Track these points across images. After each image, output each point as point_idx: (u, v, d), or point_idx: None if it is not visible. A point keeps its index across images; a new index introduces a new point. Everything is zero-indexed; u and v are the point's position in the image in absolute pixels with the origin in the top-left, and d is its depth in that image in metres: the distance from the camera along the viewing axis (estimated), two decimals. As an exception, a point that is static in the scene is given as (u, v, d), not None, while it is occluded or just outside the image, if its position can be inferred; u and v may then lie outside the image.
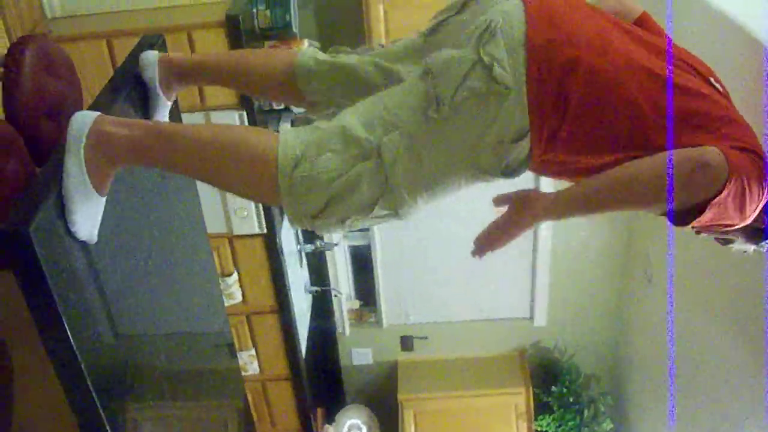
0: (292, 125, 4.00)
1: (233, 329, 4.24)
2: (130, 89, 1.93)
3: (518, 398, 5.04)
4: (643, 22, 1.93)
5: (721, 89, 1.77)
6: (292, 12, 3.65)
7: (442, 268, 4.98)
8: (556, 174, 1.81)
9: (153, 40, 2.09)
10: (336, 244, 4.79)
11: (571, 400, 5.00)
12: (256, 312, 4.38)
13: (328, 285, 5.04)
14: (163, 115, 2.08)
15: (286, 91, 2.04)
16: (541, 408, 5.12)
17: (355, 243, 5.01)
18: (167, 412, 2.13)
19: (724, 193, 1.51)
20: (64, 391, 1.54)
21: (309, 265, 4.95)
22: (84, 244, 1.58)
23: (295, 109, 3.98)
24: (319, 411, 5.11)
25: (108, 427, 1.60)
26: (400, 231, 4.78)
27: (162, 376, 2.07)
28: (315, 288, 4.99)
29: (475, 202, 2.75)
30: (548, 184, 4.06)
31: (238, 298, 4.28)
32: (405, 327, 5.32)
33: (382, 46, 2.00)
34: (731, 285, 3.33)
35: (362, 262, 5.09)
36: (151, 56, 1.99)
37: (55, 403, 1.59)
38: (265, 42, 3.68)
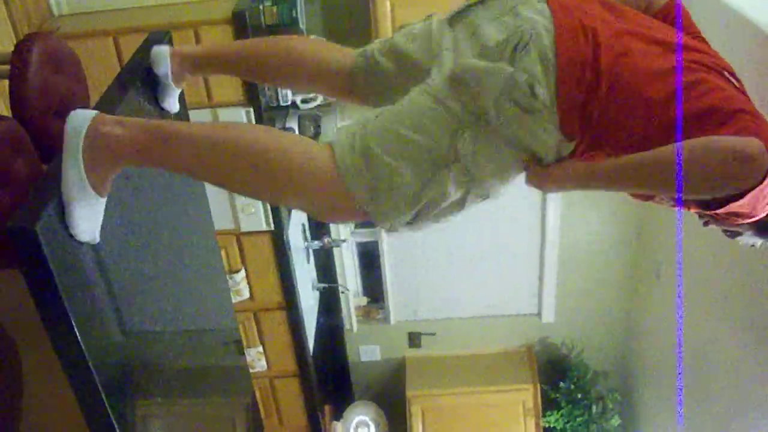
0: (299, 122, 4.00)
1: (241, 326, 4.24)
2: (137, 86, 1.92)
3: (526, 395, 5.03)
4: (670, 9, 1.89)
5: (737, 85, 1.75)
6: (298, 8, 3.64)
7: (449, 264, 4.97)
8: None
9: (159, 37, 2.08)
10: (344, 241, 4.79)
11: (579, 396, 4.99)
12: (264, 309, 4.39)
13: (336, 282, 5.04)
14: (172, 102, 2.08)
15: (327, 89, 2.05)
16: (548, 404, 5.11)
17: (362, 239, 5.00)
18: (175, 410, 2.13)
19: (766, 182, 1.45)
20: (73, 388, 1.54)
21: (316, 261, 4.95)
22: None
23: (302, 106, 3.98)
24: (327, 408, 5.12)
25: (116, 425, 1.60)
26: (407, 227, 4.77)
27: (170, 374, 2.07)
28: (322, 285, 4.99)
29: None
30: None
31: (246, 295, 4.29)
32: (413, 323, 5.32)
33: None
34: (740, 282, 3.32)
35: (369, 259, 5.08)
36: (163, 50, 1.97)
37: (64, 400, 1.59)
38: (272, 38, 3.67)
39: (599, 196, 4.57)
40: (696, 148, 1.47)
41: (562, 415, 5.04)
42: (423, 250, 4.93)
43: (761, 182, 1.45)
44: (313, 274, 4.93)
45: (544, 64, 1.58)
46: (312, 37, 3.77)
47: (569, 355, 5.24)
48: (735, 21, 3.00)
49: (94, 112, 1.59)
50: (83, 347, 1.48)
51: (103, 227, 1.60)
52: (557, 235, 4.80)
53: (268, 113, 3.83)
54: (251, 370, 4.24)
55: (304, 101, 3.97)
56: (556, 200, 4.60)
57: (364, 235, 4.96)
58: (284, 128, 3.94)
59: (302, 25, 3.70)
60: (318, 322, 4.88)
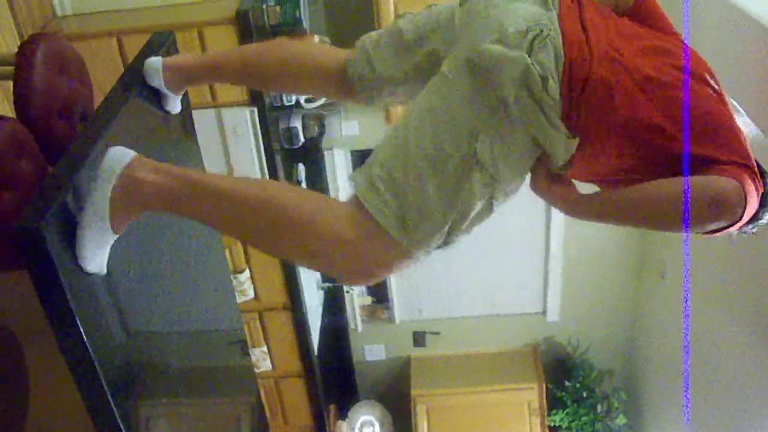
0: (303, 121, 3.99)
1: (246, 326, 4.24)
2: (140, 86, 1.93)
3: (531, 394, 5.03)
4: (640, 8, 1.88)
5: (716, 87, 1.76)
6: (301, 8, 3.64)
7: (454, 263, 4.97)
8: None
9: (163, 38, 2.08)
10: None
11: (584, 395, 4.99)
12: (269, 309, 4.38)
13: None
14: (174, 106, 2.08)
15: (328, 92, 2.04)
16: (554, 403, 5.10)
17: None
18: (180, 409, 2.13)
19: (740, 223, 1.55)
20: (78, 388, 1.54)
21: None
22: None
23: (306, 105, 3.98)
24: (332, 407, 5.11)
25: (122, 425, 1.61)
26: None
27: (175, 374, 2.07)
28: (327, 284, 4.98)
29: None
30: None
31: (251, 294, 4.29)
32: (417, 323, 5.31)
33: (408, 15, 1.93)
34: (746, 281, 3.31)
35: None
36: (154, 64, 1.96)
37: (70, 400, 1.59)
38: (276, 38, 3.67)
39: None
40: (670, 196, 1.52)
41: (567, 414, 5.03)
42: (427, 249, 4.92)
43: (736, 222, 1.54)
44: (318, 273, 4.93)
45: (555, 61, 1.58)
46: (316, 37, 3.77)
47: (574, 354, 5.24)
48: (737, 17, 2.99)
49: (134, 153, 1.60)
50: (89, 347, 1.48)
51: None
52: (562, 234, 4.80)
53: (271, 113, 3.83)
54: (256, 370, 4.24)
55: (308, 101, 3.97)
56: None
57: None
58: (288, 128, 3.93)
59: (306, 25, 3.70)
60: (322, 322, 4.87)
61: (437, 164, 1.61)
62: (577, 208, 1.68)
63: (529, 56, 1.57)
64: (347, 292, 5.06)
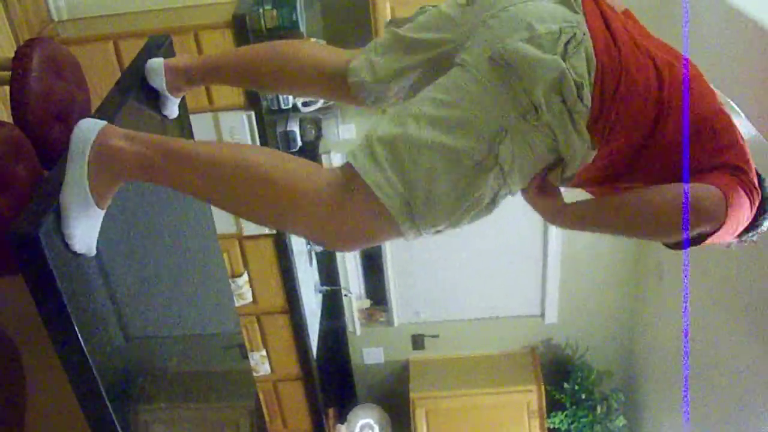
0: (300, 125, 3.99)
1: (244, 330, 4.24)
2: (137, 91, 1.92)
3: (530, 396, 5.03)
4: (627, 13, 1.88)
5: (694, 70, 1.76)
6: (298, 11, 3.64)
7: (452, 266, 4.97)
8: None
9: (160, 42, 2.08)
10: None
11: (583, 396, 4.99)
12: (267, 312, 4.38)
13: (339, 284, 5.04)
14: (171, 109, 2.07)
15: (328, 92, 2.00)
16: (553, 405, 5.10)
17: (365, 242, 4.99)
18: (179, 414, 2.13)
19: (721, 231, 1.57)
20: (76, 394, 1.53)
21: (319, 264, 4.94)
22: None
23: (303, 109, 3.98)
24: (331, 411, 5.11)
25: (120, 430, 1.60)
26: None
27: (173, 378, 2.07)
28: (325, 287, 4.98)
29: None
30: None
31: (249, 298, 4.28)
32: (416, 326, 5.31)
33: (409, 20, 1.88)
34: (743, 281, 3.31)
35: (372, 261, 5.08)
36: (156, 64, 1.95)
37: (67, 406, 1.59)
38: (272, 42, 3.67)
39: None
40: (661, 201, 1.56)
41: (566, 416, 5.03)
42: (426, 252, 4.93)
43: (723, 223, 1.55)
44: (316, 277, 4.93)
45: (588, 66, 1.55)
46: (313, 40, 3.77)
47: (573, 356, 5.24)
48: (735, 18, 3.00)
49: (103, 122, 1.57)
50: (86, 352, 1.47)
51: (105, 232, 1.60)
52: (560, 236, 4.80)
53: (269, 117, 3.83)
54: (255, 374, 4.23)
55: (305, 104, 3.97)
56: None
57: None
58: (285, 132, 3.94)
59: (302, 28, 3.70)
60: (321, 325, 4.87)
61: (453, 158, 1.55)
62: (561, 216, 1.69)
63: (564, 61, 1.53)
64: (345, 295, 5.06)
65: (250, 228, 4.02)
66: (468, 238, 4.75)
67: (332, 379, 5.28)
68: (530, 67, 1.53)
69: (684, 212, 1.53)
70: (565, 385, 5.05)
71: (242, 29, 3.51)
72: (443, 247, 4.85)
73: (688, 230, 1.55)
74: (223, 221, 3.82)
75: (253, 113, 3.71)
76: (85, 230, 1.51)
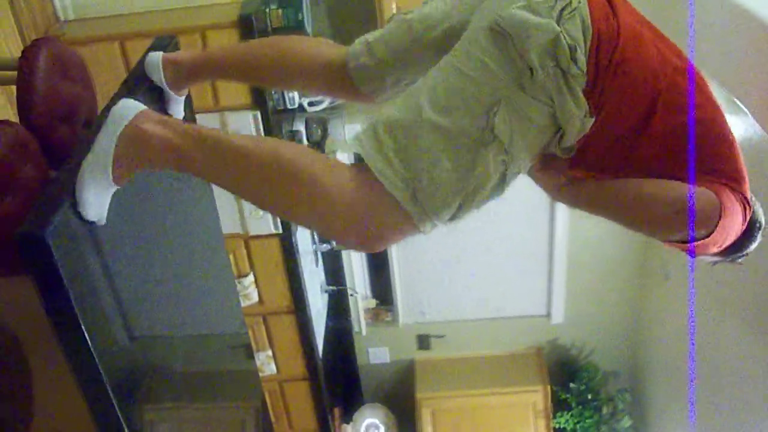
0: (306, 124, 4.00)
1: (250, 330, 4.24)
2: (144, 92, 1.92)
3: (536, 396, 5.02)
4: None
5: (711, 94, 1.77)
6: (304, 11, 3.64)
7: (458, 266, 4.96)
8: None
9: (165, 42, 2.08)
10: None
11: (589, 397, 4.98)
12: (273, 312, 4.38)
13: (344, 284, 5.04)
14: (177, 110, 2.07)
15: (328, 86, 1.99)
16: (559, 405, 5.09)
17: (371, 242, 4.98)
18: (185, 414, 2.13)
19: (711, 236, 1.59)
20: (82, 393, 1.53)
21: (325, 264, 4.94)
22: (98, 243, 1.58)
23: (309, 109, 3.98)
24: (337, 411, 5.11)
25: (126, 429, 1.60)
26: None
27: (179, 378, 2.07)
28: (331, 287, 4.98)
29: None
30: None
31: (255, 298, 4.29)
32: (422, 326, 5.31)
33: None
34: (749, 282, 3.30)
35: (378, 261, 5.08)
36: (155, 59, 1.95)
37: (74, 405, 1.59)
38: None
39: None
40: (659, 195, 1.60)
41: (572, 416, 5.03)
42: (432, 252, 4.93)
43: (714, 229, 1.57)
44: (322, 277, 4.93)
45: (584, 32, 1.56)
46: (321, 39, 3.76)
47: (579, 356, 5.23)
48: (741, 17, 2.99)
49: (143, 106, 1.60)
50: (93, 352, 1.47)
51: (112, 232, 1.60)
52: (566, 236, 4.79)
53: (275, 116, 3.83)
54: (261, 374, 4.24)
55: (311, 104, 3.97)
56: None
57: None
58: (291, 132, 3.94)
59: (308, 28, 3.70)
60: (327, 325, 4.87)
61: (451, 137, 1.55)
62: (563, 193, 1.72)
63: (558, 25, 1.54)
64: (351, 295, 5.06)
65: (255, 228, 4.03)
66: (474, 238, 4.74)
67: (338, 379, 5.28)
68: (524, 30, 1.54)
69: (690, 210, 1.54)
70: (571, 385, 5.05)
71: (248, 29, 3.51)
72: (449, 247, 4.85)
73: (693, 228, 1.56)
74: (229, 222, 3.82)
75: (259, 113, 3.71)
76: (96, 199, 1.53)
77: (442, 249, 4.88)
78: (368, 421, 5.28)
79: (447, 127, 1.55)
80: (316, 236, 4.73)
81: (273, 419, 4.52)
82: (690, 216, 1.56)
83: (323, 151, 4.41)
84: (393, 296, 5.15)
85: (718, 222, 1.57)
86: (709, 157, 1.65)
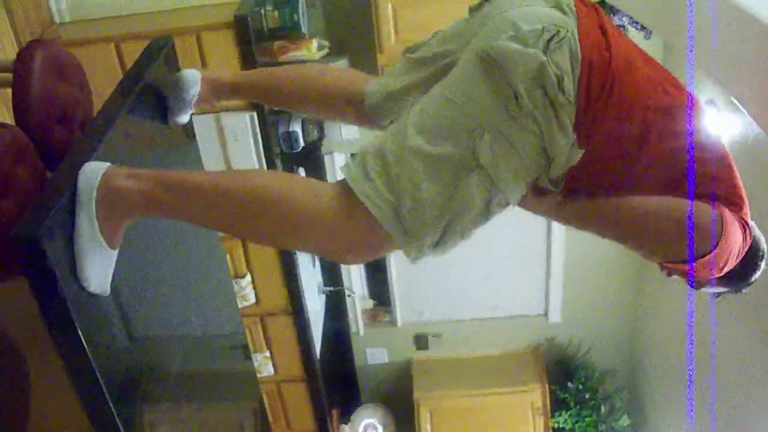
0: (302, 125, 3.99)
1: (247, 331, 4.24)
2: (140, 92, 1.92)
3: (534, 395, 5.03)
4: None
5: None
6: (300, 12, 3.64)
7: (455, 265, 4.97)
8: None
9: (161, 43, 2.08)
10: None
11: (587, 396, 4.98)
12: (270, 313, 4.38)
13: (342, 285, 5.04)
14: (184, 118, 2.08)
15: (347, 115, 2.07)
16: (557, 404, 5.10)
17: (368, 242, 4.99)
18: (182, 415, 2.13)
19: (711, 255, 1.59)
20: (79, 395, 1.53)
21: (322, 265, 4.94)
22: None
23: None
24: (335, 411, 5.11)
25: (123, 431, 1.60)
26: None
27: (177, 379, 2.07)
28: (329, 288, 4.98)
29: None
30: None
31: (252, 299, 4.28)
32: (419, 325, 5.31)
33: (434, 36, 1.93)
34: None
35: (376, 262, 5.08)
36: (194, 76, 1.98)
37: (71, 407, 1.59)
38: (275, 42, 3.67)
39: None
40: (660, 211, 1.60)
41: (570, 415, 5.03)
42: (428, 252, 4.92)
43: (716, 246, 1.58)
44: (319, 277, 4.93)
45: (572, 62, 1.56)
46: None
47: (577, 355, 5.24)
48: (739, 16, 2.99)
49: (106, 164, 1.58)
50: (89, 355, 1.47)
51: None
52: (563, 235, 4.79)
53: (271, 117, 3.83)
54: (258, 375, 4.24)
55: (307, 105, 3.96)
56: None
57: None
58: (288, 132, 3.93)
59: (304, 30, 3.70)
60: (324, 326, 4.87)
61: (435, 162, 1.58)
62: (560, 212, 1.71)
63: (544, 55, 1.55)
64: (348, 296, 5.06)
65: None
66: (472, 238, 4.73)
67: (336, 379, 5.28)
68: (511, 60, 1.55)
69: (688, 228, 1.54)
70: (569, 384, 5.05)
71: (244, 30, 3.51)
72: (446, 247, 4.84)
73: (692, 240, 1.56)
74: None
75: (255, 114, 3.71)
76: (99, 272, 1.53)
77: (440, 249, 4.88)
78: (366, 421, 5.29)
79: (431, 152, 1.57)
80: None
81: (271, 420, 4.52)
82: (689, 228, 1.55)
83: (320, 152, 4.42)
84: (390, 296, 5.15)
85: (719, 239, 1.57)
86: (707, 181, 1.65)
